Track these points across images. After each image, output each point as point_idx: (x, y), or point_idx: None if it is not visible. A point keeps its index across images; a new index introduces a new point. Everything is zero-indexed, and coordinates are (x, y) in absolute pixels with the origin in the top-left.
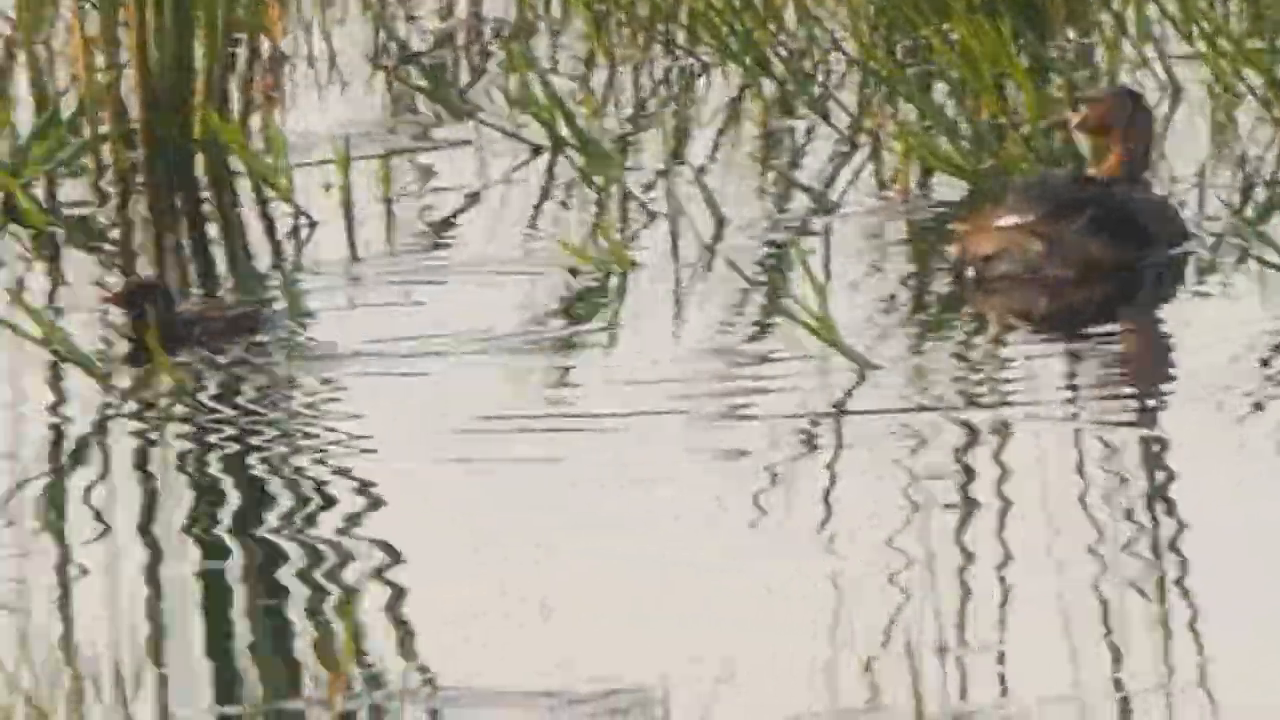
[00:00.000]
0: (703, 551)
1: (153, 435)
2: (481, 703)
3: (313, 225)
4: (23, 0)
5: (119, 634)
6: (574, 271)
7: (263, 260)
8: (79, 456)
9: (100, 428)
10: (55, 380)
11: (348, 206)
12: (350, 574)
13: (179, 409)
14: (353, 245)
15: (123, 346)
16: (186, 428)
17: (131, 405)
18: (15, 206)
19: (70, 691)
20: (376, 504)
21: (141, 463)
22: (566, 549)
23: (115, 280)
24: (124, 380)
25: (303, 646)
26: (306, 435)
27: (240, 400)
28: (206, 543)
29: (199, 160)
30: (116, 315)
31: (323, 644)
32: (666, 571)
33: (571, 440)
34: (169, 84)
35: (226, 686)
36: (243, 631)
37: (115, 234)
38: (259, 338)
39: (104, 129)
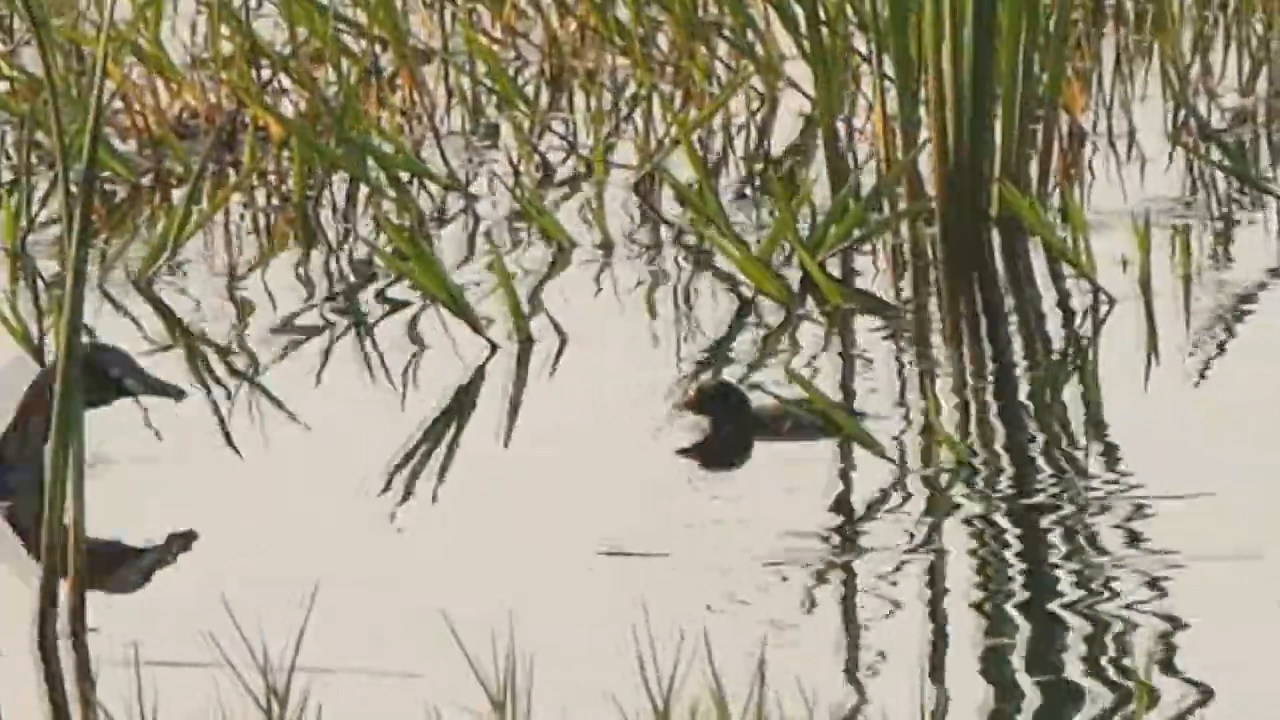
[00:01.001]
0: None
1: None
2: None
3: (1111, 303)
4: (823, 79)
5: None
6: None
7: (1057, 339)
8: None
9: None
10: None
11: (1146, 284)
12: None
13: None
14: (1151, 324)
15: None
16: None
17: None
18: (813, 283)
19: None
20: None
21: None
22: None
23: (688, 386)
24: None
25: None
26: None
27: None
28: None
29: (995, 238)
30: (690, 420)
31: None
32: None
33: None
34: (967, 161)
35: None
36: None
37: (909, 312)
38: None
39: (901, 207)
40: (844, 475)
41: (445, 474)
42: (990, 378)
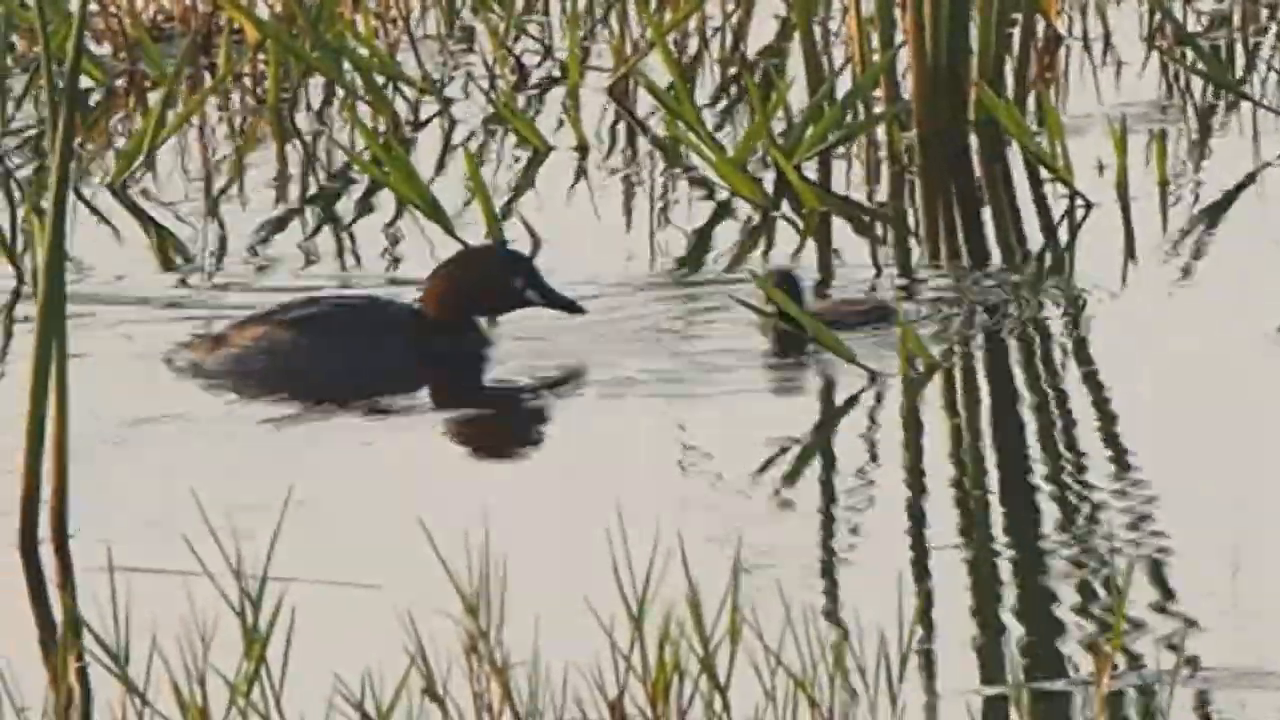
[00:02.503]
0: None
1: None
2: (1249, 684)
3: (1088, 207)
4: None
5: (886, 610)
6: None
7: (1035, 241)
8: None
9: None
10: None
11: (1123, 189)
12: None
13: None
14: (1129, 228)
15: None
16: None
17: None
18: (789, 186)
19: (835, 670)
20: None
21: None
22: None
23: (760, 269)
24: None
25: (1069, 625)
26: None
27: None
28: (973, 516)
29: (973, 141)
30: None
31: (1087, 623)
32: None
33: None
34: (945, 65)
35: (993, 664)
36: (1010, 608)
37: (886, 216)
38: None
39: (877, 110)
40: (818, 388)
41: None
42: (963, 283)
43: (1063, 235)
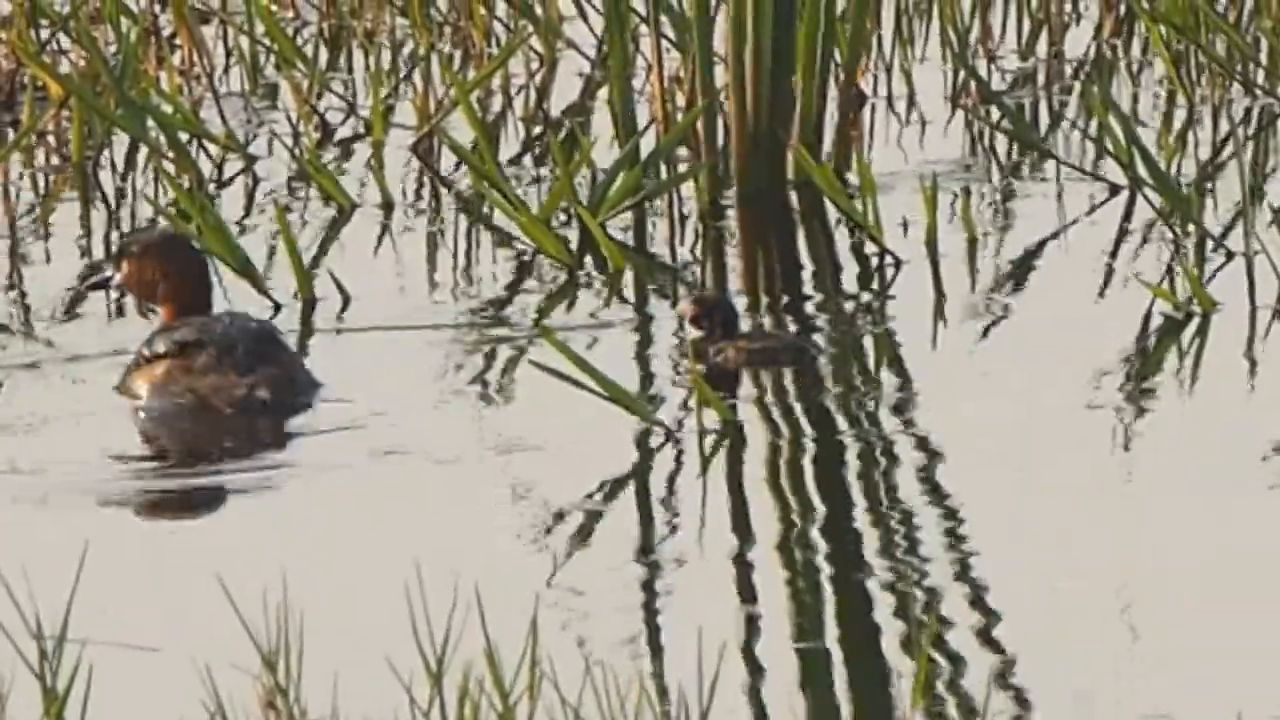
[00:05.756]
0: None
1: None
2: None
3: (898, 264)
4: (615, 37)
5: (685, 664)
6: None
7: (851, 297)
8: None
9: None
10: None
11: (932, 246)
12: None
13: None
14: (938, 285)
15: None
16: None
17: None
18: (594, 244)
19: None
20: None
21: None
22: None
23: (688, 296)
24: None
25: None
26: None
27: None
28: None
29: (793, 198)
30: (689, 330)
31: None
32: None
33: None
34: (765, 125)
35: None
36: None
37: (697, 271)
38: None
39: (683, 168)
40: (621, 442)
41: (224, 432)
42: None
43: (875, 292)
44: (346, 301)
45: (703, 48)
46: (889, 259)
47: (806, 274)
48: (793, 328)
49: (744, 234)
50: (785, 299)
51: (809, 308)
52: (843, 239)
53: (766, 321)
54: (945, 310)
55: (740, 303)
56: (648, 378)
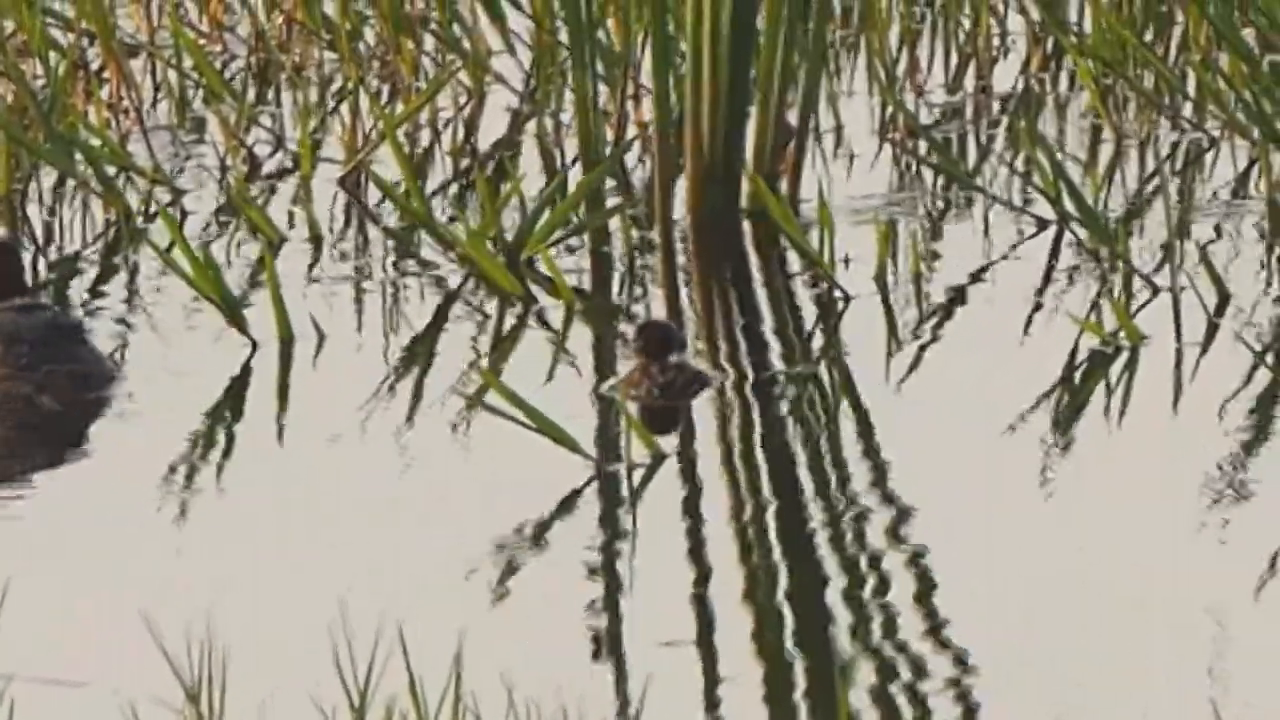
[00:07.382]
0: None
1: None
2: None
3: (847, 299)
4: (542, 72)
5: (605, 701)
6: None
7: (801, 331)
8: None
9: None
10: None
11: (882, 281)
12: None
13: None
14: (891, 320)
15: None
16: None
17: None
18: (525, 278)
19: None
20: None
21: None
22: None
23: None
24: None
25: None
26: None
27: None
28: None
29: (747, 229)
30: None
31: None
32: None
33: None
34: (721, 156)
35: None
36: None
37: (617, 310)
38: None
39: (613, 202)
40: (544, 475)
41: (135, 462)
42: (714, 373)
43: (825, 327)
44: (322, 340)
45: (659, 79)
46: (837, 293)
47: (746, 307)
48: (704, 361)
49: (699, 264)
50: (737, 328)
51: (761, 338)
52: (775, 274)
53: (693, 351)
54: (894, 346)
55: (687, 332)
56: (584, 411)
